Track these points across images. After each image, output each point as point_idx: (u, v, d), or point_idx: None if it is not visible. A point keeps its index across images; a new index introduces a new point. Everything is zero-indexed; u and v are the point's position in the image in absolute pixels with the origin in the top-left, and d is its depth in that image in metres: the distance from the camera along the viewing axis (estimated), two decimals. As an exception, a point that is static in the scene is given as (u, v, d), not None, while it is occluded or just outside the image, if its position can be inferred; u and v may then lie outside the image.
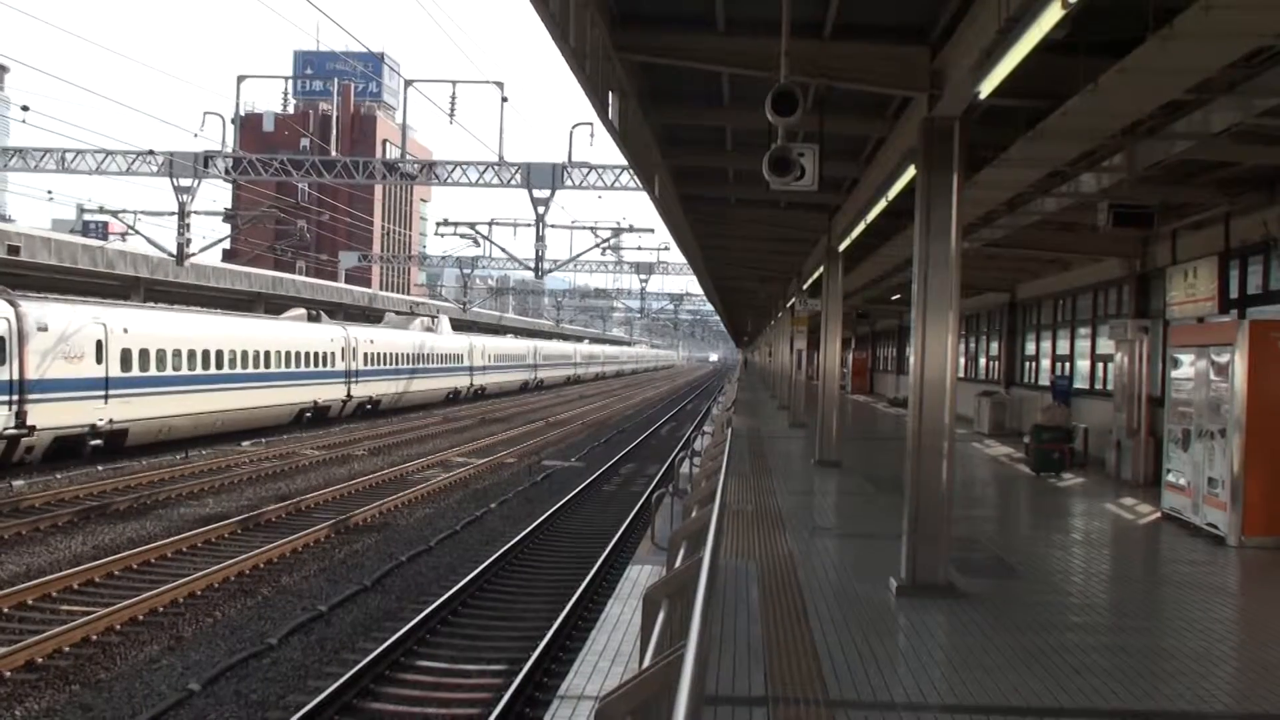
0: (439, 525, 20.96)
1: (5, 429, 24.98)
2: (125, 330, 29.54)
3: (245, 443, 34.40)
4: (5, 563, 16.66)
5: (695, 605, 5.04)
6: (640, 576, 11.64)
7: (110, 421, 28.61)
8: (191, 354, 32.81)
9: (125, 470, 26.77)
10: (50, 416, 26.28)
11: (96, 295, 33.09)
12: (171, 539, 18.06)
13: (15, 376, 25.20)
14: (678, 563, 7.43)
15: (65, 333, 27.06)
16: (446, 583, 15.97)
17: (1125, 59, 8.50)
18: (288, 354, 39.34)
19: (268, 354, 37.79)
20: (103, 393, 28.29)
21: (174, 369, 31.71)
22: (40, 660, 11.88)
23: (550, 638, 12.55)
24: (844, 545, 13.28)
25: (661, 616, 5.63)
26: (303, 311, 46.03)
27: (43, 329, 26.22)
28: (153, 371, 30.60)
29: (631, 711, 4.01)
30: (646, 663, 4.84)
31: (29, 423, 25.54)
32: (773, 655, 8.21)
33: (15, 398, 25.18)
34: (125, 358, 29.43)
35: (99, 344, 28.24)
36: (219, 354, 34.45)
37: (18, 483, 23.63)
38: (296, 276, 59.25)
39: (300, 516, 21.25)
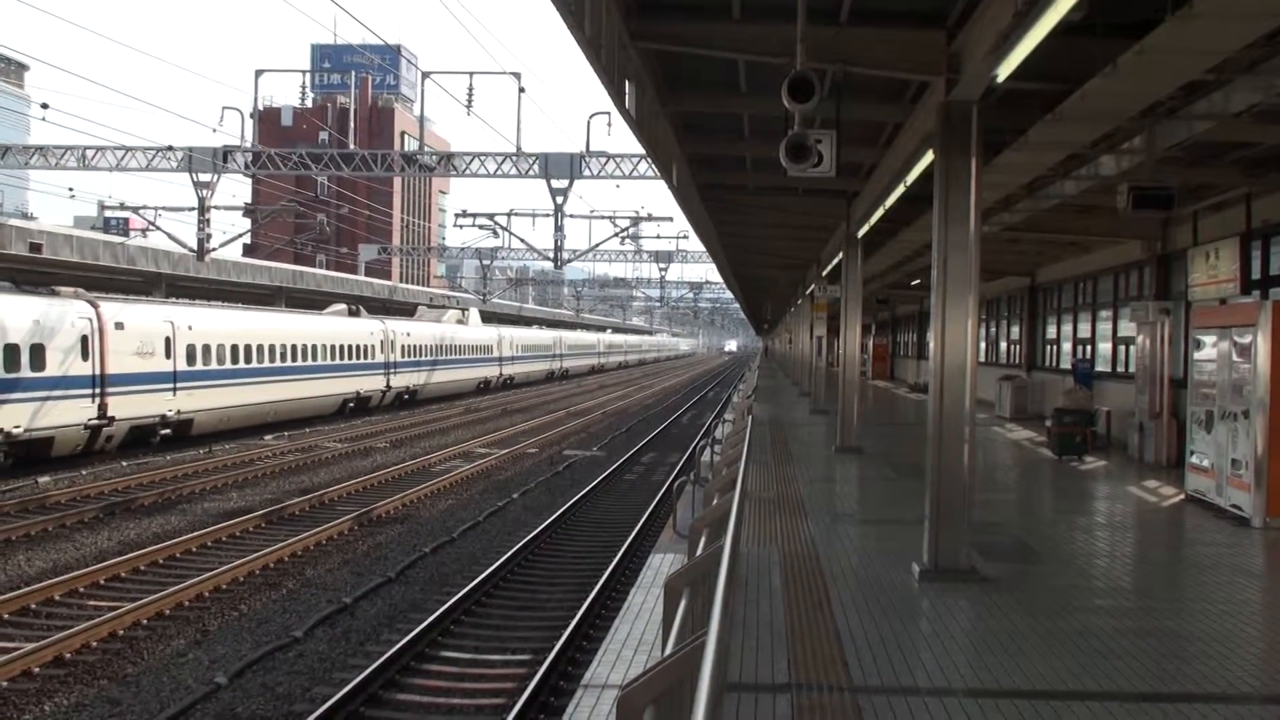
0: (462, 516, 21.02)
1: (89, 420, 26.96)
2: (190, 327, 31.52)
3: (268, 436, 34.59)
4: (33, 559, 16.77)
5: (716, 593, 5.05)
6: (662, 565, 11.66)
7: (178, 412, 30.71)
8: (248, 349, 34.74)
9: (149, 466, 26.94)
10: (127, 408, 28.33)
11: (119, 292, 33.36)
12: (196, 533, 18.15)
13: (97, 371, 27.23)
14: (699, 551, 7.44)
15: (138, 330, 29.16)
16: (470, 573, 16.01)
17: (1144, 40, 8.44)
18: (333, 347, 41.12)
19: (315, 348, 39.59)
20: (171, 385, 30.35)
21: (232, 363, 33.74)
22: (68, 656, 11.98)
23: (574, 627, 12.59)
24: (866, 531, 13.28)
25: (683, 604, 5.64)
26: (344, 307, 47.78)
27: (119, 327, 28.23)
28: (214, 365, 32.66)
29: (654, 700, 4.02)
30: (668, 651, 4.85)
31: (109, 413, 27.57)
32: (796, 642, 8.21)
33: (98, 390, 27.23)
34: (190, 353, 31.48)
35: (167, 340, 30.35)
36: (271, 348, 36.36)
37: (43, 479, 23.81)
38: (317, 270, 59.40)
39: (324, 509, 21.33)
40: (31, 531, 18.46)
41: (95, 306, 27.58)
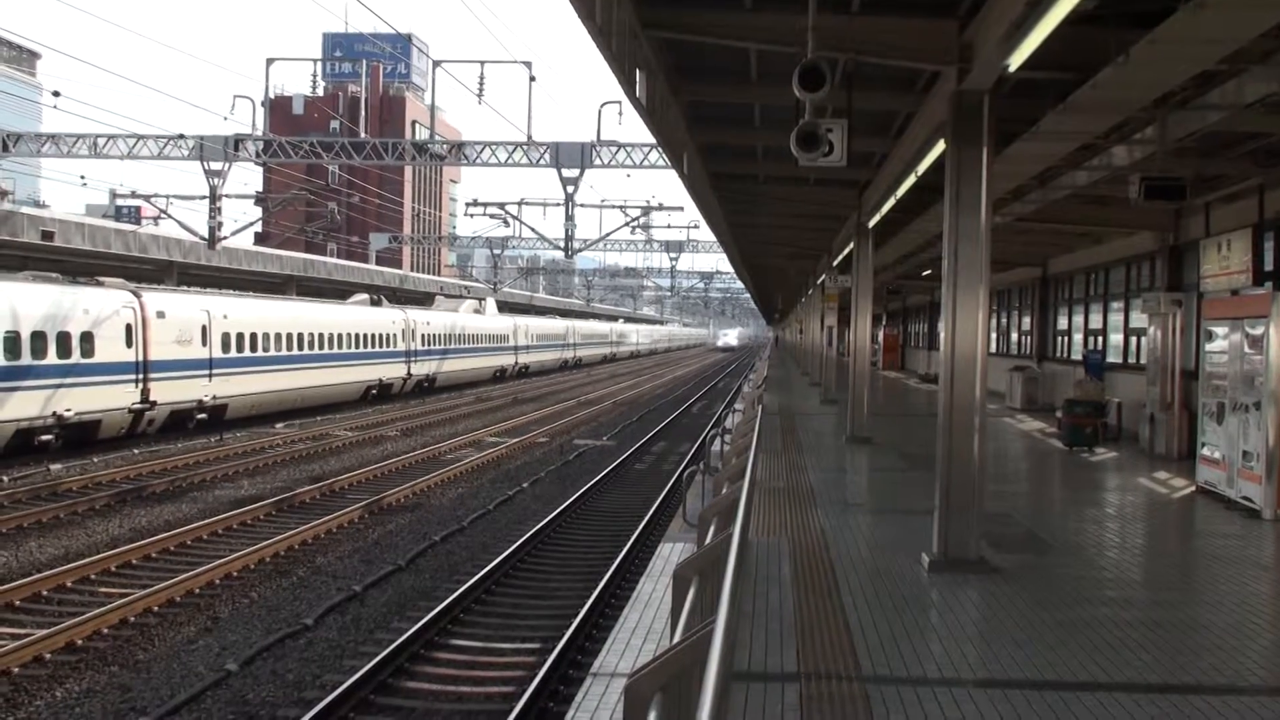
0: (472, 505, 21.04)
1: (133, 404, 28.43)
2: (224, 316, 32.81)
3: (279, 424, 34.70)
4: (44, 546, 16.83)
5: (724, 581, 5.05)
6: (672, 554, 11.66)
7: (214, 397, 32.05)
8: (278, 337, 35.99)
9: (161, 453, 27.05)
10: (167, 393, 29.76)
11: (131, 279, 33.52)
12: (207, 521, 18.20)
13: (140, 358, 28.70)
14: (708, 540, 7.44)
15: (178, 319, 30.54)
16: (480, 562, 16.03)
17: (1156, 29, 8.42)
18: (357, 336, 42.29)
19: (341, 336, 40.76)
20: (207, 372, 31.63)
21: (264, 350, 34.93)
22: (80, 642, 12.02)
23: (583, 616, 12.60)
24: (876, 521, 13.27)
25: (691, 593, 5.64)
26: (366, 296, 48.90)
27: (160, 316, 29.63)
28: (246, 353, 33.81)
29: (661, 687, 4.02)
30: (676, 639, 4.85)
31: (151, 398, 29.01)
32: (805, 631, 8.22)
33: (141, 376, 28.70)
34: (225, 341, 32.87)
35: (203, 329, 31.72)
36: (300, 337, 37.49)
37: (55, 466, 23.94)
38: (328, 259, 59.45)
39: (334, 498, 21.38)
40: (43, 518, 18.53)
41: (138, 296, 28.98)
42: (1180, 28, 8.11)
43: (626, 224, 58.68)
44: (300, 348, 37.47)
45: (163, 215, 46.88)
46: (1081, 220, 22.37)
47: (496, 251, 71.78)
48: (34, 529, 17.92)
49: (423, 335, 49.18)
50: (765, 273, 54.30)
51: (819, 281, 37.69)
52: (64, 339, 25.88)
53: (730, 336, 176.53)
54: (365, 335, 43.07)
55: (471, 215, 58.25)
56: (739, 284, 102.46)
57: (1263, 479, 13.13)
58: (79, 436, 26.60)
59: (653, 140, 24.18)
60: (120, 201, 73.44)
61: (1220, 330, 14.70)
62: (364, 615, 13.45)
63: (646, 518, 18.77)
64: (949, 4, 10.40)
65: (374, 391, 44.32)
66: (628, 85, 12.17)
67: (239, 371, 33.32)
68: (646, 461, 28.29)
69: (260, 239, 71.99)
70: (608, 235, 60.89)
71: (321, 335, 39.15)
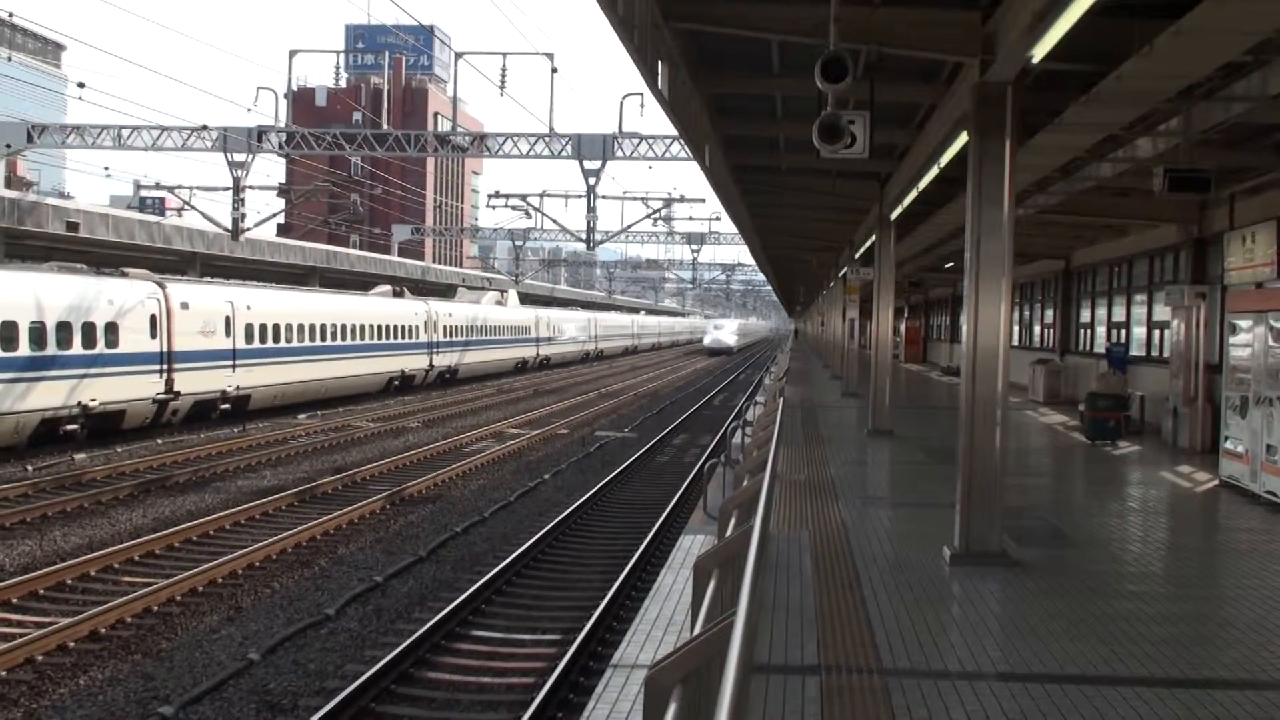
0: (493, 496, 21.07)
1: (157, 394, 28.73)
2: (248, 307, 33.01)
3: (301, 415, 34.82)
4: (69, 535, 16.93)
5: (745, 574, 5.05)
6: (692, 546, 11.66)
7: (237, 388, 32.26)
8: (301, 328, 36.15)
9: (184, 443, 27.18)
10: (191, 383, 30.01)
11: (155, 270, 33.76)
12: (229, 511, 18.27)
13: (164, 348, 28.93)
14: (728, 532, 7.44)
15: (201, 310, 30.84)
16: (501, 553, 16.06)
17: (1181, 20, 8.36)
18: (379, 327, 42.48)
19: (363, 328, 40.92)
20: (230, 363, 31.88)
21: (287, 341, 35.14)
22: (103, 631, 12.08)
23: (604, 607, 12.61)
24: (897, 514, 13.25)
25: (712, 585, 5.65)
26: (389, 288, 49.09)
27: (184, 307, 29.91)
28: (270, 344, 34.02)
29: (682, 679, 4.02)
30: (696, 631, 4.86)
31: (175, 388, 29.27)
32: (825, 624, 8.21)
33: (165, 367, 28.95)
34: (249, 332, 33.04)
35: (227, 320, 31.97)
36: (323, 328, 37.68)
37: (79, 456, 24.08)
38: (351, 250, 59.64)
39: (356, 488, 21.43)
40: (68, 508, 18.63)
41: (163, 288, 29.28)
42: (1205, 19, 8.06)
43: (648, 216, 58.78)
44: (323, 339, 37.62)
45: (186, 206, 47.14)
46: (1105, 212, 22.26)
47: (518, 243, 71.87)
48: (58, 518, 18.03)
49: (445, 327, 49.37)
50: (787, 265, 54.21)
51: (840, 274, 37.61)
52: (89, 329, 26.08)
53: (724, 331, 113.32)
54: (388, 327, 43.26)
55: (494, 207, 58.18)
56: (761, 276, 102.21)
57: (1287, 473, 13.06)
58: (103, 426, 26.77)
59: (674, 132, 24.11)
60: (144, 193, 73.75)
61: (1244, 323, 14.63)
62: (385, 606, 13.50)
63: (667, 510, 18.77)
64: (972, -5, 10.35)
65: (396, 383, 44.55)
66: (650, 77, 12.15)
67: (262, 362, 33.47)
68: (667, 454, 28.30)
69: (283, 230, 72.25)
70: (629, 227, 60.91)
71: (344, 326, 39.29)
